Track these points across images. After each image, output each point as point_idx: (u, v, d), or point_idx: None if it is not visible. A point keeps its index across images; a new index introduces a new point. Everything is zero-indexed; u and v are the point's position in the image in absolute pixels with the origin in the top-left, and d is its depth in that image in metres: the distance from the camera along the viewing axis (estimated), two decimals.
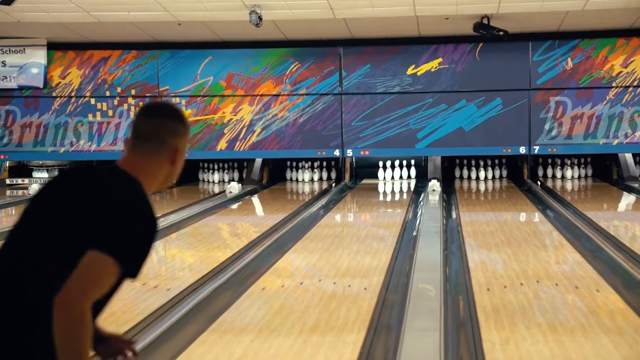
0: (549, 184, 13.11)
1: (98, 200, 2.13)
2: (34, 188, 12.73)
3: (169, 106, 2.37)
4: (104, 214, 2.10)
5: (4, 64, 13.35)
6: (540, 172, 13.95)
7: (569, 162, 13.88)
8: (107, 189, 2.17)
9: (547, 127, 13.06)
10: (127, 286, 3.49)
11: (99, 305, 2.16)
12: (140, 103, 13.53)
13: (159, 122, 2.30)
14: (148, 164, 2.28)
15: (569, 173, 13.82)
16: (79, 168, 2.32)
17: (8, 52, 13.32)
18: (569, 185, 13.02)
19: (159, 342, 4.27)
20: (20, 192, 13.16)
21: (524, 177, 13.44)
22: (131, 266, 2.12)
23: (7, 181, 14.25)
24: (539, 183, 13.08)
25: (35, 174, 14.52)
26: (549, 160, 13.98)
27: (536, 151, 13.12)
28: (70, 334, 1.99)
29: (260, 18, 10.97)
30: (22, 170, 14.58)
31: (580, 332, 4.41)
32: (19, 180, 14.20)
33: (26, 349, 2.04)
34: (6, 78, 13.41)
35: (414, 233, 8.05)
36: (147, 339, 4.21)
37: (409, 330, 4.40)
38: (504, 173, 14.10)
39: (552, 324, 4.60)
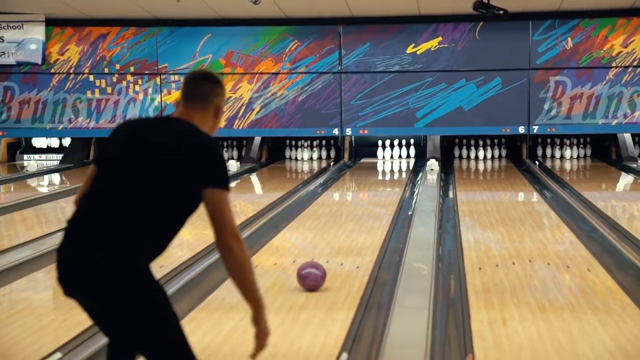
0: (548, 164, 13.10)
1: (192, 148, 2.69)
2: (32, 165, 12.75)
3: (211, 74, 2.95)
4: (201, 158, 2.68)
5: (2, 39, 13.31)
6: (540, 152, 13.94)
7: (568, 142, 13.87)
8: (194, 136, 2.73)
9: (546, 107, 13.03)
10: None
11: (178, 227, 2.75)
12: (139, 80, 13.51)
13: (205, 85, 2.88)
14: (198, 116, 2.85)
15: (567, 153, 13.82)
16: (151, 120, 2.91)
17: (6, 27, 13.27)
18: (567, 165, 13.01)
19: None
20: (28, 163, 13.14)
21: (523, 156, 13.43)
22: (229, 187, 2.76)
23: (25, 158, 14.30)
24: (537, 163, 13.06)
25: (34, 140, 14.58)
26: (548, 140, 13.96)
27: (535, 131, 13.10)
28: (240, 262, 2.64)
29: None
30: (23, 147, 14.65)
31: (568, 311, 4.42)
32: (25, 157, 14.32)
33: (129, 241, 2.58)
34: (4, 54, 13.38)
35: (410, 212, 8.06)
36: None
37: (399, 309, 4.42)
38: (503, 153, 14.09)
39: (542, 302, 4.61)
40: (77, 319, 4.34)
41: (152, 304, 2.56)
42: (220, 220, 2.65)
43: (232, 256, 2.63)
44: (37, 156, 14.40)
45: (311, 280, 4.91)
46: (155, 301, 2.57)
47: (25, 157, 14.40)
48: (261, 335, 2.73)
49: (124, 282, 2.53)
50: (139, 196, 2.63)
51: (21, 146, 14.62)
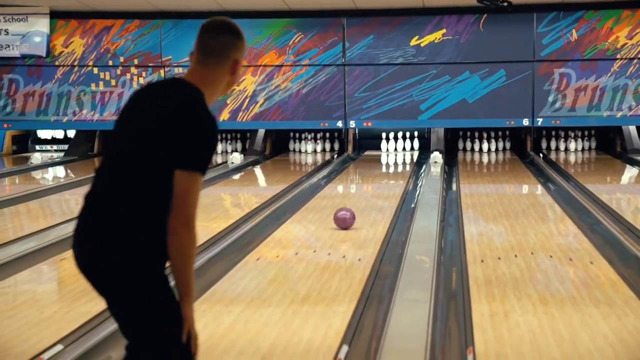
0: (552, 156, 13.06)
1: (174, 121, 2.49)
2: (37, 157, 12.76)
3: (230, 24, 2.67)
4: (180, 135, 2.48)
5: (6, 32, 13.32)
6: (544, 145, 13.88)
7: (572, 134, 13.82)
8: (187, 110, 2.51)
9: (550, 99, 13.00)
10: None
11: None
12: (143, 73, 13.51)
13: (222, 38, 2.63)
14: (212, 76, 2.63)
15: (572, 145, 13.77)
16: (154, 85, 2.66)
17: (11, 20, 13.28)
18: (572, 158, 12.98)
19: None
20: (33, 155, 13.13)
21: (527, 149, 13.40)
22: (206, 169, 2.54)
23: (37, 148, 14.34)
24: (541, 155, 13.03)
25: (39, 132, 14.62)
26: (553, 133, 13.91)
27: (540, 123, 13.06)
28: (184, 250, 2.48)
29: None
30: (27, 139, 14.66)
31: (570, 304, 4.42)
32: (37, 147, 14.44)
33: (130, 230, 2.50)
34: (9, 46, 13.39)
35: (413, 204, 8.06)
36: None
37: (400, 301, 4.43)
38: (507, 145, 14.05)
39: (543, 295, 4.61)
40: (80, 311, 4.37)
41: (153, 296, 2.53)
42: (181, 205, 2.47)
43: (177, 242, 2.48)
44: (48, 146, 14.48)
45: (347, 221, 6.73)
46: (157, 293, 2.54)
47: (37, 147, 14.46)
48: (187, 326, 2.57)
49: (127, 274, 2.50)
50: (136, 179, 2.50)
51: (32, 135, 14.66)
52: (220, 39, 2.63)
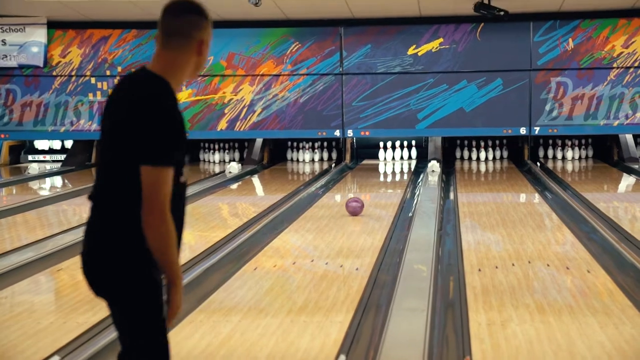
0: (550, 165, 13.08)
1: (132, 116, 2.46)
2: (34, 168, 12.75)
3: (193, 3, 2.59)
4: (139, 128, 2.45)
5: (4, 42, 13.33)
6: (541, 153, 13.92)
7: (569, 143, 13.85)
8: (137, 103, 2.48)
9: (547, 107, 13.02)
10: None
11: (180, 217, 2.60)
12: None
13: (185, 18, 2.56)
14: (178, 59, 2.57)
15: (569, 154, 13.80)
16: (125, 79, 2.62)
17: (8, 30, 13.30)
18: (569, 167, 12.99)
19: None
20: (30, 165, 13.13)
21: (524, 158, 13.42)
22: (178, 161, 2.52)
23: (29, 158, 14.37)
24: (538, 164, 13.05)
25: (36, 143, 14.62)
26: (550, 141, 13.94)
27: (537, 132, 13.08)
28: (163, 242, 2.47)
29: None
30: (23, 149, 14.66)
31: (567, 312, 4.42)
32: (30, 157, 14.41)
33: (110, 222, 2.53)
34: (6, 57, 13.40)
35: (410, 213, 8.06)
36: None
37: (397, 310, 4.42)
38: (505, 154, 14.07)
39: (540, 304, 4.61)
40: (76, 321, 4.36)
41: (136, 296, 2.53)
42: (151, 200, 2.45)
43: (154, 234, 2.47)
44: (41, 156, 14.47)
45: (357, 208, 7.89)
46: (141, 294, 2.53)
47: (30, 157, 14.44)
48: (172, 305, 2.57)
49: (112, 274, 2.52)
50: (115, 180, 2.52)
51: (25, 147, 14.65)
52: (183, 19, 2.56)
